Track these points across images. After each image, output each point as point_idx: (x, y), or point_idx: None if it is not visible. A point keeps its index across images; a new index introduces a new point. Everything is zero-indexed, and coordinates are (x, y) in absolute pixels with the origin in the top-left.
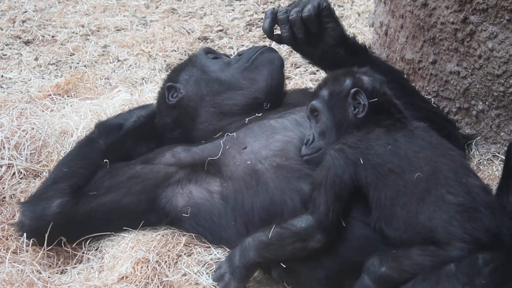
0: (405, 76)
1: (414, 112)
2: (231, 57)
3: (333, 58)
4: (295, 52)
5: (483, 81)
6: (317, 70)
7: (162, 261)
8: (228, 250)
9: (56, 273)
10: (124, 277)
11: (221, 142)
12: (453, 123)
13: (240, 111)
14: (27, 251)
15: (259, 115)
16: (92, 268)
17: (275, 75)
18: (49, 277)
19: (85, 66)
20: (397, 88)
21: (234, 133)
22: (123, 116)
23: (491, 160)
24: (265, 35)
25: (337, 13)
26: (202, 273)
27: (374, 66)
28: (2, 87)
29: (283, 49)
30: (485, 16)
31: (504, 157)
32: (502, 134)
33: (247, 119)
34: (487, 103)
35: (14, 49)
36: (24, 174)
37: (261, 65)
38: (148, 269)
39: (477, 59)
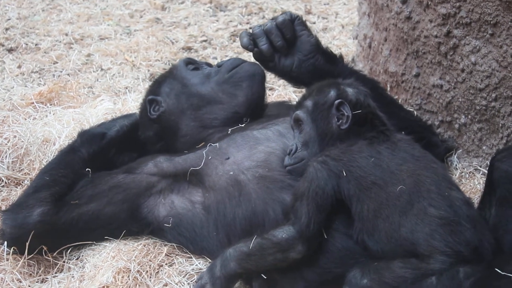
0: (381, 85)
1: (393, 121)
2: (213, 66)
3: (312, 66)
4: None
5: (466, 95)
6: None
7: (143, 271)
8: (210, 260)
9: (37, 282)
10: (105, 287)
11: (203, 152)
12: (431, 129)
13: (220, 124)
14: (7, 260)
15: (242, 125)
16: (72, 277)
17: (255, 90)
18: (29, 286)
19: (68, 74)
20: (375, 97)
21: (217, 144)
22: (106, 125)
23: (473, 173)
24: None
25: (321, 25)
26: (184, 283)
27: (351, 75)
28: None
29: None
30: (468, 30)
31: (486, 171)
32: (484, 147)
33: (230, 129)
34: (469, 116)
35: None
36: (5, 182)
37: (241, 80)
38: (129, 279)
39: (460, 73)
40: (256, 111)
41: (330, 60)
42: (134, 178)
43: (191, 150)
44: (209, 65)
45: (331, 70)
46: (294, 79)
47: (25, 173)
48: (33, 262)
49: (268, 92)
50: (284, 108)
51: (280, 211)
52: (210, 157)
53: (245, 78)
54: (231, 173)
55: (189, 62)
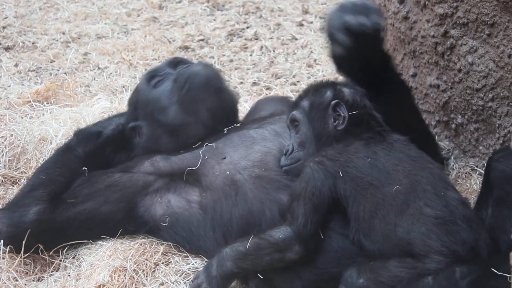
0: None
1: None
2: (177, 67)
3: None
4: (277, 64)
5: (463, 95)
6: (297, 81)
7: (140, 270)
8: (206, 259)
9: (33, 280)
10: (101, 286)
11: (200, 152)
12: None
13: (199, 138)
14: (3, 258)
15: (238, 125)
16: (69, 276)
17: (213, 99)
18: (25, 284)
19: (65, 73)
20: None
21: (213, 144)
22: (102, 124)
23: (470, 173)
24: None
25: (318, 24)
26: (180, 282)
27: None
28: None
29: (264, 60)
30: (465, 30)
31: (482, 171)
32: (480, 147)
33: (225, 129)
34: (466, 116)
35: None
36: (2, 181)
37: (195, 94)
38: (125, 278)
39: (457, 73)
40: (227, 114)
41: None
42: (131, 177)
43: (188, 150)
44: (173, 64)
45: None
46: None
47: (21, 172)
48: (30, 261)
49: (265, 91)
50: (281, 104)
51: (276, 211)
52: (206, 157)
53: (199, 91)
54: (228, 172)
55: (151, 77)
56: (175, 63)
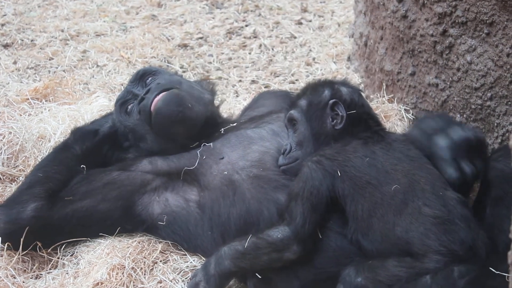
0: None
1: None
2: (148, 80)
3: None
4: (275, 62)
5: (461, 94)
6: (296, 80)
7: (138, 268)
8: (204, 258)
9: (31, 278)
10: (99, 283)
11: (197, 152)
12: None
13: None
14: (1, 256)
15: (235, 125)
16: (67, 273)
17: (181, 124)
18: (23, 282)
19: (64, 70)
20: None
21: (211, 143)
22: (98, 122)
23: None
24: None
25: (317, 23)
26: (178, 280)
27: None
28: None
29: (263, 58)
30: (464, 29)
31: None
32: None
33: (222, 129)
34: (464, 115)
35: None
36: (0, 179)
37: (164, 126)
38: (123, 276)
39: (455, 72)
40: (200, 129)
41: None
42: (129, 175)
43: (186, 149)
44: (138, 80)
45: None
46: None
47: (20, 169)
48: (28, 258)
49: (264, 89)
50: (281, 100)
51: (274, 210)
52: (204, 157)
53: (163, 126)
54: (226, 173)
55: (121, 104)
56: (140, 77)
